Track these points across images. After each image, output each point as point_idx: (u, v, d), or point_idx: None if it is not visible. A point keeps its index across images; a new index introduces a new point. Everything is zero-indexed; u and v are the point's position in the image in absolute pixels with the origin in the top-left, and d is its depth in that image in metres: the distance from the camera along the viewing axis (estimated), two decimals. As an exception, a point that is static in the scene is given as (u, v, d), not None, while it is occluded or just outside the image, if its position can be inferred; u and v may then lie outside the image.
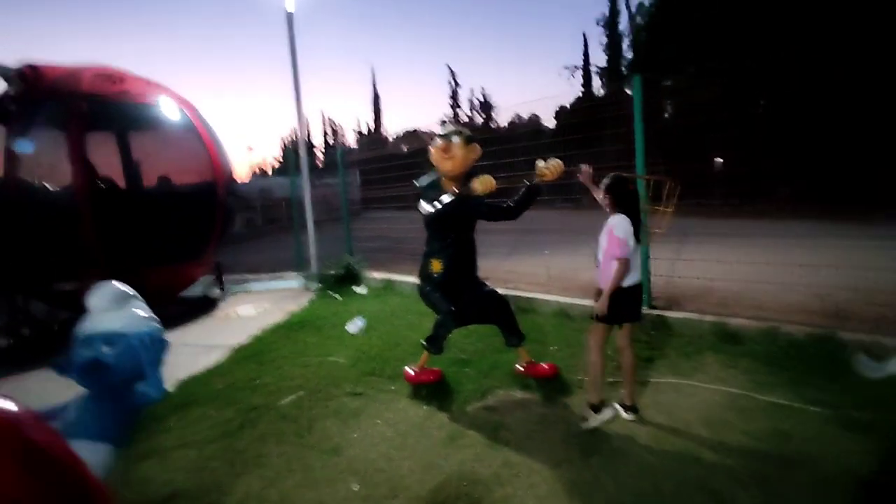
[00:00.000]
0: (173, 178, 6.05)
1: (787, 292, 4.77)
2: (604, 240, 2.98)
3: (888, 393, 3.03)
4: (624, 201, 2.96)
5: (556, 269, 6.05)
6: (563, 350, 4.25)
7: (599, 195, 3.02)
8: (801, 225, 4.57)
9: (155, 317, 2.34)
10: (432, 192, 3.51)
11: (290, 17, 7.43)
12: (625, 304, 2.92)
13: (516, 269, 6.84)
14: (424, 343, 3.58)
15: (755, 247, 4.43)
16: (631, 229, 2.90)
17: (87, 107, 5.39)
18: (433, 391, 3.58)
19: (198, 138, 6.37)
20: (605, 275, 2.96)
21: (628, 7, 26.70)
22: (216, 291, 7.51)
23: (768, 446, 2.68)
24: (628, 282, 2.92)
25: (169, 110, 6.24)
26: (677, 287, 5.05)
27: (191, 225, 6.25)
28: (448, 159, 3.42)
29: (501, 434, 3.01)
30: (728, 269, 4.70)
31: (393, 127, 49.36)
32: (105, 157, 5.85)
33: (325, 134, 48.52)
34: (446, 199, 3.32)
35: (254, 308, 6.62)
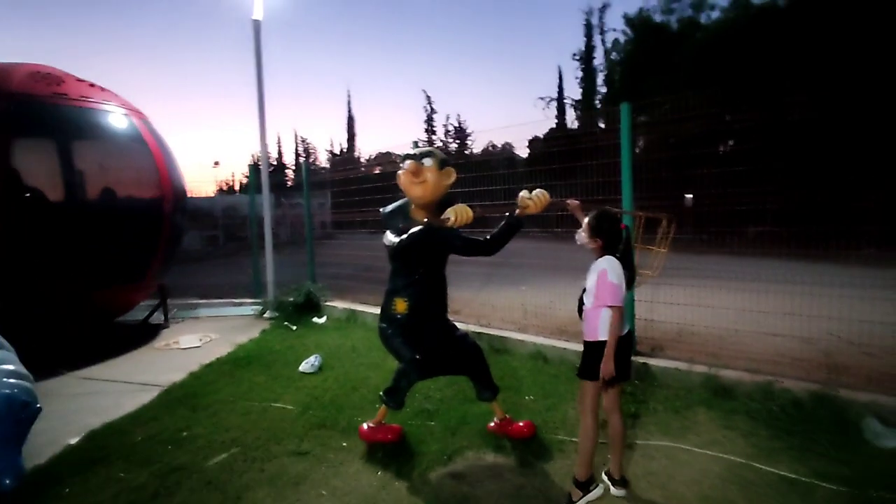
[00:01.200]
0: (114, 191, 5.42)
1: (775, 339, 4.45)
2: (591, 284, 2.56)
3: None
4: (613, 242, 2.58)
5: (533, 306, 5.65)
6: (540, 401, 3.80)
7: (584, 236, 2.61)
8: (778, 265, 4.30)
9: (23, 373, 1.78)
10: (399, 221, 3.06)
11: (256, 25, 6.98)
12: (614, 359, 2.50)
13: (490, 302, 6.41)
14: (383, 396, 3.07)
15: (732, 290, 4.13)
16: (623, 273, 2.52)
17: (14, 108, 4.78)
18: (391, 452, 3.07)
19: (145, 149, 5.79)
20: (592, 325, 2.54)
21: (604, 43, 27.33)
22: (159, 318, 6.82)
23: (782, 536, 2.27)
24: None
25: (114, 117, 5.66)
26: (657, 329, 4.70)
27: (130, 244, 5.61)
28: (418, 184, 2.99)
29: (469, 512, 2.52)
30: (708, 311, 4.37)
31: (367, 149, 48.80)
32: (36, 166, 5.18)
33: (298, 153, 47.70)
34: (415, 229, 2.87)
35: (198, 338, 5.98)
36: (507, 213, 2.99)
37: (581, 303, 2.66)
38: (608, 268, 2.49)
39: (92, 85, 5.79)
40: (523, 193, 2.94)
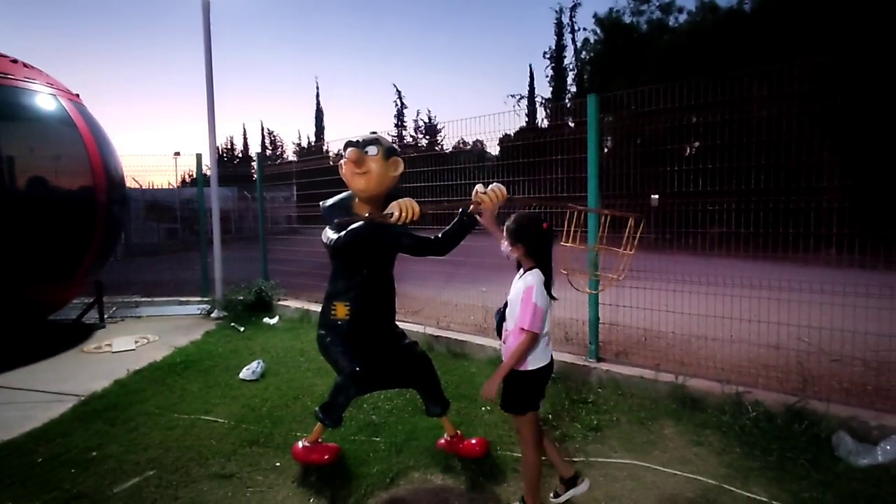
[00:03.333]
0: (36, 179, 4.87)
1: (742, 345, 4.29)
2: (516, 303, 2.24)
3: (886, 490, 2.49)
4: (536, 245, 2.25)
5: (494, 307, 5.37)
6: (496, 412, 3.52)
7: (504, 244, 2.30)
8: (743, 265, 4.13)
9: None
10: (340, 216, 2.72)
11: (206, 6, 6.50)
12: (526, 389, 2.24)
13: (449, 302, 6.12)
14: (318, 413, 2.73)
15: (698, 293, 3.93)
16: (547, 296, 2.22)
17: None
18: (328, 473, 2.74)
19: (74, 133, 5.27)
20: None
21: (574, 42, 27.40)
22: (94, 317, 6.28)
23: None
24: (538, 363, 2.23)
25: (39, 98, 5.13)
26: (620, 333, 4.49)
27: (57, 237, 5.09)
28: (360, 175, 2.66)
29: (410, 546, 2.22)
30: (673, 315, 4.17)
31: (337, 143, 47.94)
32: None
33: (264, 146, 46.47)
34: (355, 225, 2.54)
35: (134, 340, 5.50)
36: (461, 210, 2.70)
37: (502, 318, 2.37)
38: (535, 286, 2.18)
39: (14, 61, 5.25)
40: (478, 188, 2.64)
